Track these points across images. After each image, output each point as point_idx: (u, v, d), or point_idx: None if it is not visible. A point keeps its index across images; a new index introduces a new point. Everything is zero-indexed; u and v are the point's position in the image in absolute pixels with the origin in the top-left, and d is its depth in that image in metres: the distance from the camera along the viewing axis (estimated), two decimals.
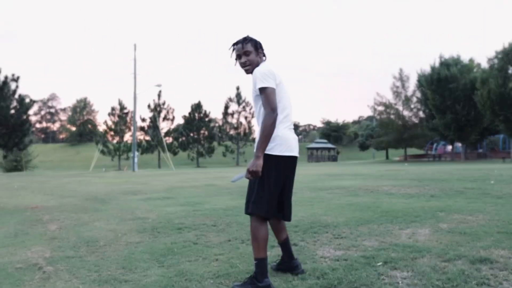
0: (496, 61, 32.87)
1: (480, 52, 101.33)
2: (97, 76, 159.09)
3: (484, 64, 35.65)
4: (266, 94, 2.64)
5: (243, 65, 2.83)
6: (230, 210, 6.55)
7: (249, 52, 2.79)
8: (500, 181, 9.73)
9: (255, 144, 2.65)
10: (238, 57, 2.84)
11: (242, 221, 5.40)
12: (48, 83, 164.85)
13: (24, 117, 29.11)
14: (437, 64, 38.51)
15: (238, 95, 58.78)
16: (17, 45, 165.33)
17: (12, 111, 28.35)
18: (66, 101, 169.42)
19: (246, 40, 2.83)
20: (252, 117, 59.50)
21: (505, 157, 34.41)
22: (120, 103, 53.84)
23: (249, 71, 2.82)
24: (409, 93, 48.29)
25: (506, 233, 3.84)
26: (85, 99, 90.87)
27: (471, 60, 39.38)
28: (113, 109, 53.87)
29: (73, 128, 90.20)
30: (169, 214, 6.39)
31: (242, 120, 58.94)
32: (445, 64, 37.69)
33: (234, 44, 2.87)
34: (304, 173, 17.17)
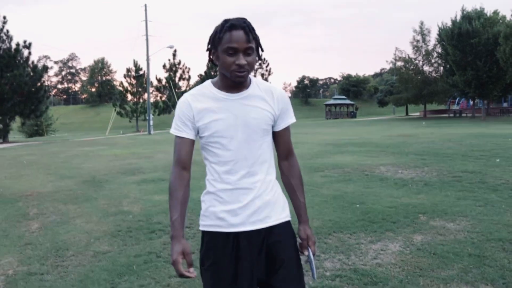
0: None
1: (506, 3, 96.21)
2: (113, 36, 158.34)
3: (510, 17, 33.83)
4: (290, 132, 1.91)
5: (238, 68, 1.65)
6: None
7: (251, 51, 1.67)
8: (507, 158, 9.33)
9: (300, 204, 1.90)
10: (232, 51, 1.64)
11: None
12: (67, 43, 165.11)
13: (39, 84, 29.17)
14: (458, 18, 36.72)
15: None
16: (37, 6, 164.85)
17: (26, 79, 28.38)
18: (85, 61, 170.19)
19: (253, 30, 1.69)
20: (269, 74, 58.58)
21: None
22: (136, 64, 53.62)
23: (242, 79, 1.68)
24: (430, 47, 46.54)
25: (477, 257, 3.60)
26: (103, 59, 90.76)
27: (495, 13, 37.31)
28: (128, 70, 53.75)
29: (93, 89, 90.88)
30: (153, 207, 6.36)
31: (259, 77, 58.21)
32: (467, 17, 35.85)
33: (230, 27, 1.65)
34: (312, 140, 16.91)
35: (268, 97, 1.79)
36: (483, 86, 35.80)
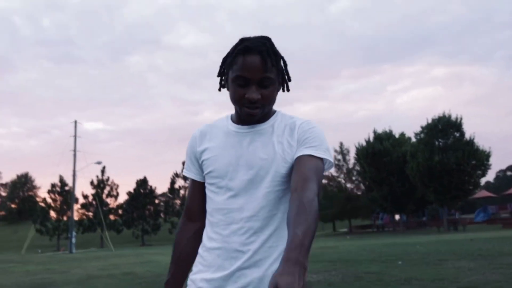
0: (422, 135, 35.23)
1: (410, 126, 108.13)
2: (39, 151, 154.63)
3: (413, 139, 38.11)
4: (321, 171, 1.33)
5: (248, 103, 1.35)
6: None
7: (269, 82, 1.35)
8: (409, 261, 10.09)
9: (290, 243, 1.04)
10: (243, 81, 1.33)
11: None
12: None
13: None
14: (371, 139, 40.65)
15: None
16: None
17: None
18: (7, 176, 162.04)
19: (274, 54, 1.36)
20: None
21: (440, 226, 35.68)
22: (61, 180, 52.23)
23: (253, 117, 1.38)
24: (351, 165, 50.05)
25: None
26: (27, 174, 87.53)
27: (402, 134, 41.98)
28: (53, 186, 52.09)
29: (13, 205, 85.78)
30: None
31: None
32: (379, 138, 39.90)
33: (243, 50, 1.33)
34: None
35: (288, 132, 1.40)
36: (398, 200, 38.56)
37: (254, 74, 1.31)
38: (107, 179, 55.31)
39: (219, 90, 1.48)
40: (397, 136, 41.28)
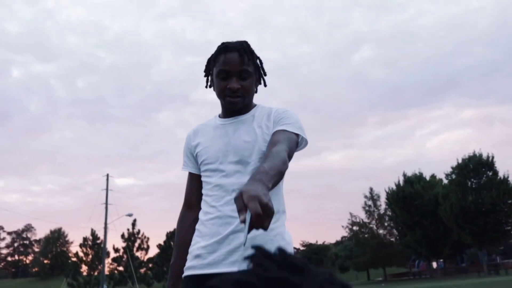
0: (453, 176, 34.42)
1: (441, 168, 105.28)
2: (72, 207, 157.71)
3: (445, 180, 37.21)
4: (294, 142, 1.51)
5: (230, 92, 1.55)
6: None
7: (247, 74, 1.56)
8: None
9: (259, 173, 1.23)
10: (225, 74, 1.55)
11: None
12: (24, 213, 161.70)
13: None
14: (401, 182, 39.87)
15: None
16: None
17: None
18: (41, 231, 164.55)
19: (250, 52, 1.60)
20: None
21: (480, 271, 34.02)
22: (93, 234, 52.78)
23: (235, 105, 1.58)
24: (382, 211, 48.84)
25: None
26: (60, 229, 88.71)
27: (432, 176, 41.00)
28: (85, 239, 52.62)
29: (46, 261, 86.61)
30: None
31: None
32: (409, 181, 39.09)
33: (224, 49, 1.57)
34: None
35: (266, 118, 1.61)
36: (433, 244, 37.16)
37: (233, 67, 1.54)
38: (138, 232, 55.55)
39: (206, 87, 1.71)
40: (427, 178, 40.37)
